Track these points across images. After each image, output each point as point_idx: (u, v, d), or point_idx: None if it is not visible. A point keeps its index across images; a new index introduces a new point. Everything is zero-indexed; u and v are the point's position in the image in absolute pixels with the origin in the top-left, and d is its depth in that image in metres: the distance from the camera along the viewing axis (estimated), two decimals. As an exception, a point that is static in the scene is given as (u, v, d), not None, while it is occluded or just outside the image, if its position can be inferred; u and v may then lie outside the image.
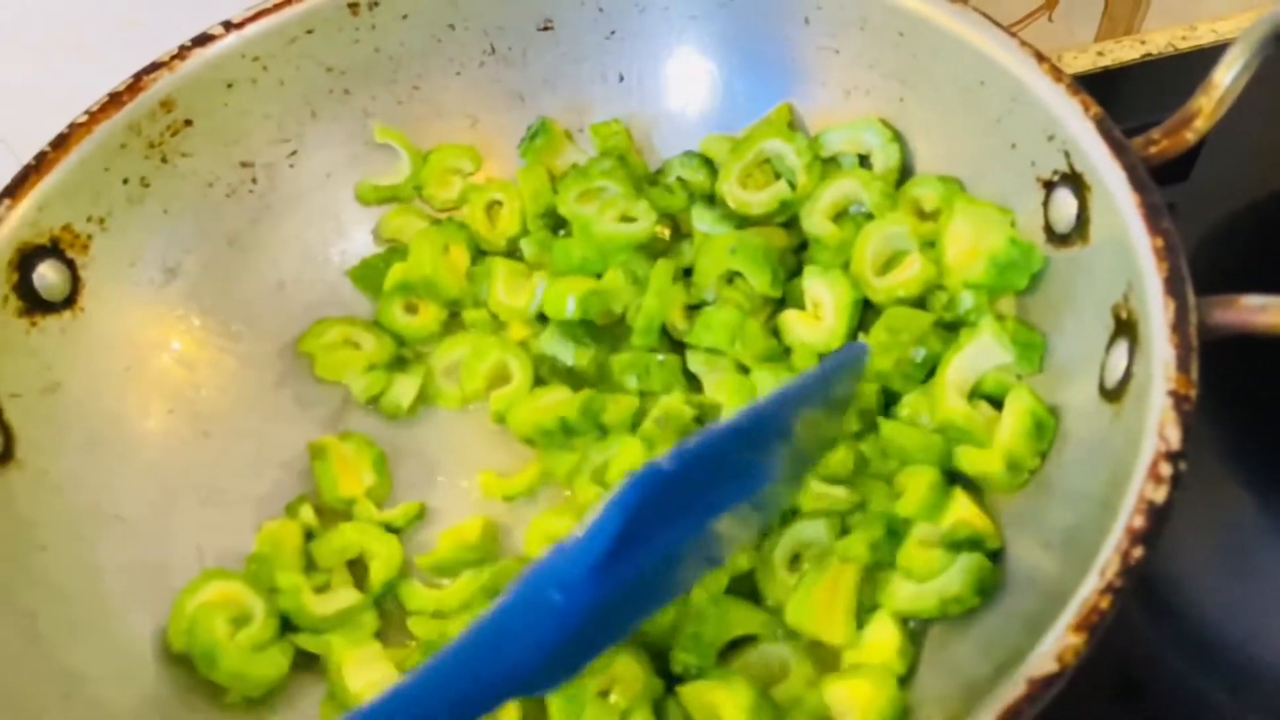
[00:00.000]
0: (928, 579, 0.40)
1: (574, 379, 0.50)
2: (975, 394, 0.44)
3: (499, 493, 0.48)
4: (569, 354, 0.50)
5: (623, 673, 0.39)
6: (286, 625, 0.44)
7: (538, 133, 0.56)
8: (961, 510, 0.41)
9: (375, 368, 0.51)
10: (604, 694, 0.39)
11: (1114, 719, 0.43)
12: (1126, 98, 0.66)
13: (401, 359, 0.53)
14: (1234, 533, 0.48)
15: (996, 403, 0.44)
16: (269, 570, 0.44)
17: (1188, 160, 0.61)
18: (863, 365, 0.37)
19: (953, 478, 0.43)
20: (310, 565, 0.46)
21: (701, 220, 0.52)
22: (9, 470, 0.42)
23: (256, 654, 0.41)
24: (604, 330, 0.51)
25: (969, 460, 0.42)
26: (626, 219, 0.52)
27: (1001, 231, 0.44)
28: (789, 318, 0.48)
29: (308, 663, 0.44)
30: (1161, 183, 0.59)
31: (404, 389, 0.51)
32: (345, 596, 0.45)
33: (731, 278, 0.50)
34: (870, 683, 0.38)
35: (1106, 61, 0.69)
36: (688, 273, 0.51)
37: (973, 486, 0.43)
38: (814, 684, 0.39)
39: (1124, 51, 0.70)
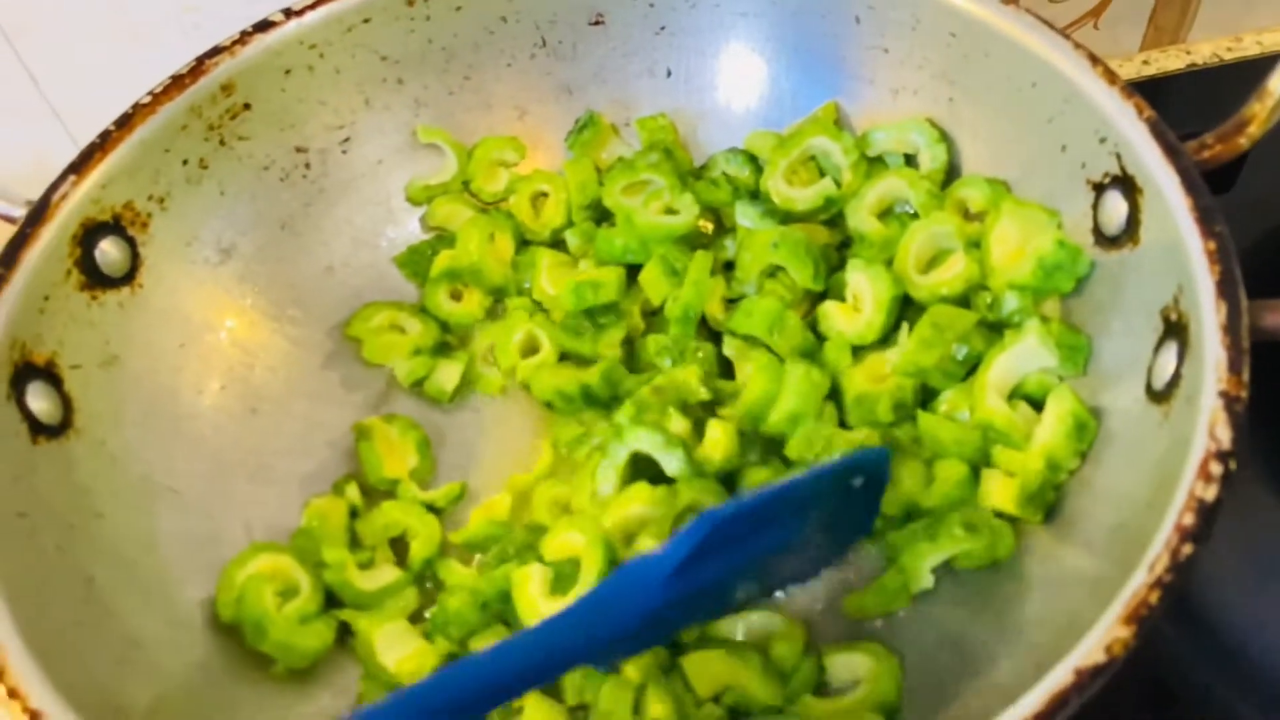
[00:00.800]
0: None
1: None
2: (1016, 394, 0.44)
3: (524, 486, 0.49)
4: (576, 343, 0.51)
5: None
6: (330, 600, 0.45)
7: (585, 125, 0.57)
8: (995, 495, 0.42)
9: (420, 352, 0.52)
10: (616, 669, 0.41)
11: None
12: (1171, 107, 0.65)
13: (446, 345, 0.54)
14: (1268, 545, 0.48)
15: (1037, 403, 0.44)
16: (315, 545, 0.45)
17: (1232, 171, 0.61)
18: (886, 466, 0.42)
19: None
20: (355, 542, 0.47)
21: (745, 216, 0.53)
22: (69, 439, 0.43)
23: (303, 626, 0.42)
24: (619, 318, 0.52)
25: (1007, 459, 0.43)
26: (670, 211, 0.52)
27: (1049, 234, 0.44)
28: (828, 308, 0.49)
29: (351, 639, 0.45)
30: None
31: (448, 374, 0.52)
32: (388, 573, 0.45)
33: (774, 272, 0.50)
34: (873, 656, 0.40)
35: (1152, 71, 0.69)
36: (729, 266, 0.52)
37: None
38: (806, 651, 0.41)
39: (1169, 61, 0.70)
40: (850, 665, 0.41)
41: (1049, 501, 0.41)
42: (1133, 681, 0.44)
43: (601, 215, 0.56)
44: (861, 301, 0.48)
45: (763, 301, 0.48)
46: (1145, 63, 0.70)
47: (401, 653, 0.41)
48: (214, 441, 0.48)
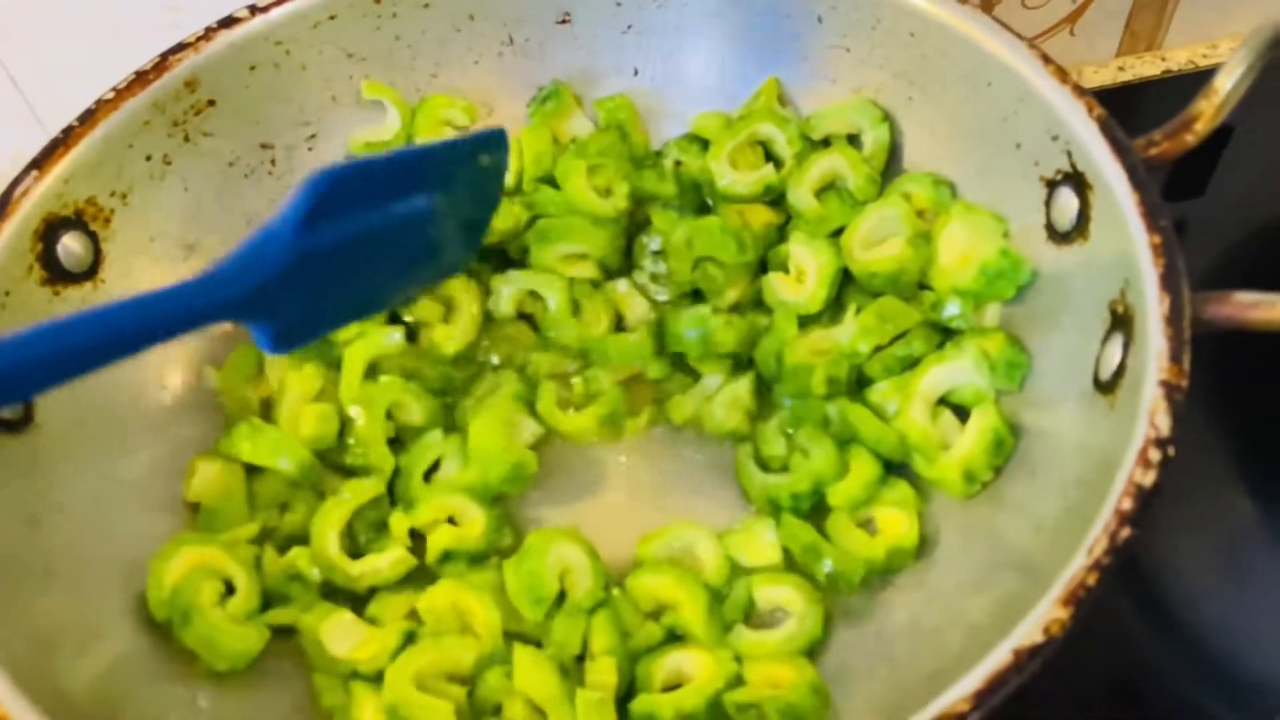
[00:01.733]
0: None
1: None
2: (946, 400, 0.46)
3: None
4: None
5: (574, 562, 0.43)
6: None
7: (550, 96, 0.57)
8: (890, 524, 0.44)
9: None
10: (561, 597, 0.43)
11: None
12: (1147, 113, 0.66)
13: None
14: (1234, 541, 0.49)
15: (965, 410, 0.45)
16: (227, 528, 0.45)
17: (1203, 175, 0.62)
18: (505, 145, 0.47)
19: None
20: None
21: (662, 221, 0.53)
22: (29, 434, 0.43)
23: (240, 627, 0.42)
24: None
25: (924, 465, 0.44)
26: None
27: (994, 242, 0.46)
28: (772, 279, 0.50)
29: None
30: (1176, 198, 0.61)
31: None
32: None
33: (698, 263, 0.51)
34: (801, 591, 0.42)
35: (1127, 76, 0.70)
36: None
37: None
38: (743, 578, 0.44)
39: (1145, 67, 0.71)
40: (777, 596, 0.43)
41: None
42: (1100, 679, 0.45)
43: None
44: (805, 274, 0.49)
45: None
46: (1121, 69, 0.71)
47: (353, 641, 0.41)
48: (178, 438, 0.48)
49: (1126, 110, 0.43)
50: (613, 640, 0.41)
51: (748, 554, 0.45)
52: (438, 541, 0.44)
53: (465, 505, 0.45)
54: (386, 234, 0.41)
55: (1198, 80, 0.70)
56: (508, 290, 0.51)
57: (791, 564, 0.45)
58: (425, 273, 0.46)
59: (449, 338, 0.50)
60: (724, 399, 0.49)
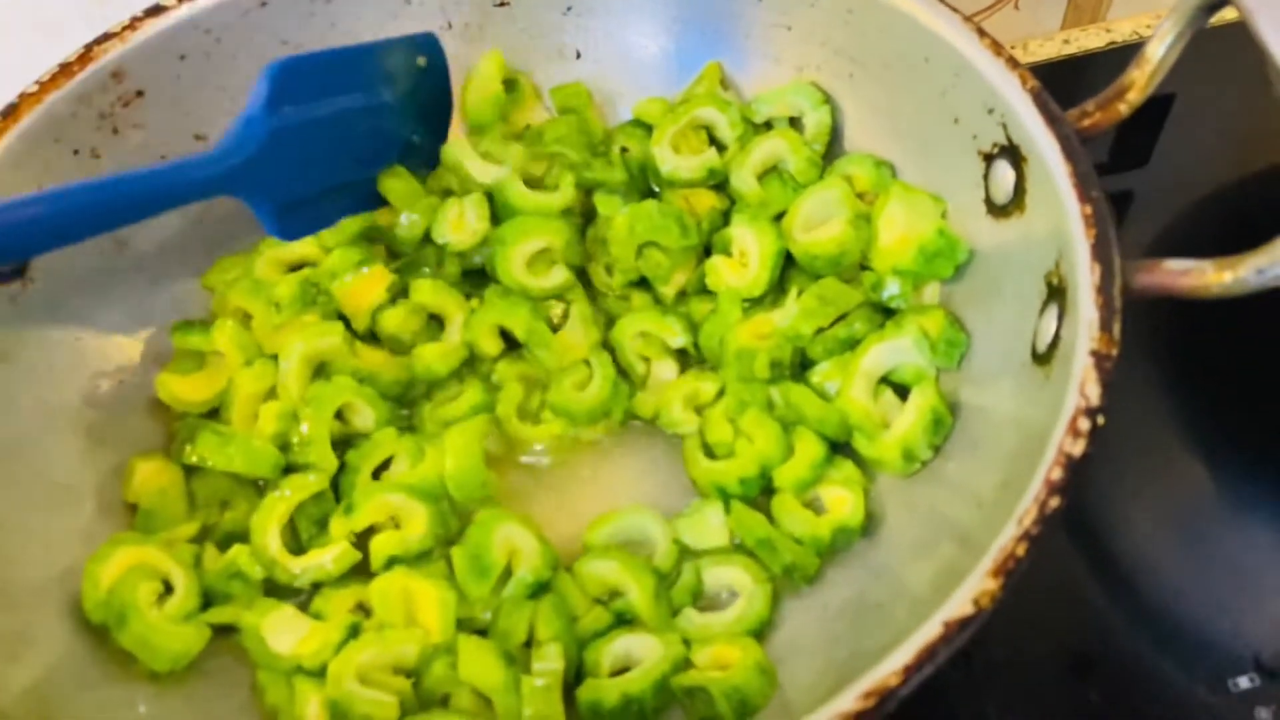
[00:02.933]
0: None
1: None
2: (887, 379, 0.46)
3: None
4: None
5: (521, 544, 0.43)
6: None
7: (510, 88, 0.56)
8: (836, 504, 0.44)
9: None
10: (507, 574, 0.43)
11: (1065, 694, 0.44)
12: (1092, 85, 0.66)
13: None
14: (1188, 510, 0.49)
15: (905, 389, 0.45)
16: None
17: (1146, 144, 0.63)
18: (437, 47, 0.54)
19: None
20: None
21: (605, 207, 0.52)
22: (-44, 438, 0.42)
23: (179, 627, 0.41)
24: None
25: (865, 444, 0.44)
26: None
27: (931, 222, 0.46)
28: (716, 263, 0.50)
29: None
30: (1121, 168, 0.61)
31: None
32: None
33: (642, 249, 0.51)
34: (749, 572, 0.43)
35: (1072, 49, 0.70)
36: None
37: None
38: (692, 561, 0.44)
39: (1089, 39, 0.71)
40: (726, 577, 0.43)
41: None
42: (1055, 650, 0.45)
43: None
44: (747, 257, 0.49)
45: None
46: (1066, 41, 0.71)
47: (296, 637, 0.40)
48: (112, 437, 0.47)
49: (1072, 83, 0.43)
50: (559, 626, 0.41)
51: (697, 537, 0.45)
52: (381, 549, 0.43)
53: (408, 504, 0.44)
54: (348, 119, 0.49)
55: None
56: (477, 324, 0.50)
57: (740, 545, 0.44)
58: (397, 161, 0.52)
59: (441, 356, 0.48)
60: (682, 397, 0.48)
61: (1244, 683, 0.44)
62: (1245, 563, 0.47)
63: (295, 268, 0.52)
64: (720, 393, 0.48)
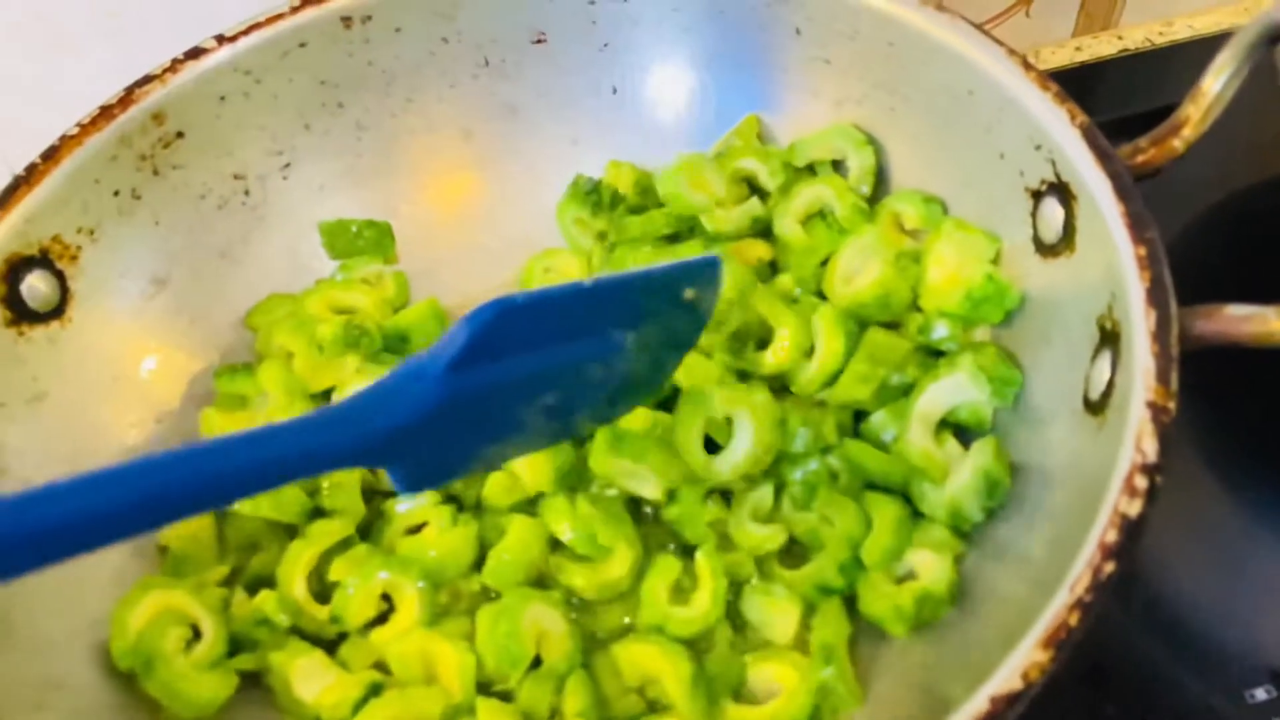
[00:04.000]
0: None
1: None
2: (946, 422, 0.44)
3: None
4: None
5: (550, 626, 0.41)
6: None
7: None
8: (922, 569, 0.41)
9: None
10: (536, 664, 0.40)
11: (1081, 702, 0.43)
12: (1104, 93, 0.66)
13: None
14: (1207, 523, 0.48)
15: (969, 433, 0.43)
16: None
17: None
18: (718, 275, 0.39)
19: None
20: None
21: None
22: (-14, 480, 0.42)
23: (206, 674, 0.40)
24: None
25: (921, 497, 0.42)
26: None
27: (981, 266, 0.44)
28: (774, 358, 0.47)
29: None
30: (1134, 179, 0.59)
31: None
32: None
33: None
34: (795, 668, 0.39)
35: (1084, 57, 0.69)
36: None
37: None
38: (739, 656, 0.41)
39: (1101, 47, 0.70)
40: (772, 675, 0.40)
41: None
42: (1071, 660, 0.43)
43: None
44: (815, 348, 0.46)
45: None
46: (1078, 49, 0.69)
47: (320, 685, 0.40)
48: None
49: (1085, 91, 0.42)
50: (587, 704, 0.39)
51: (762, 622, 0.42)
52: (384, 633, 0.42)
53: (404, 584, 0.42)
54: (554, 375, 0.35)
55: (1156, 59, 0.70)
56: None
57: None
58: (590, 416, 0.39)
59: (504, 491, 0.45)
60: (751, 513, 0.44)
61: (1261, 695, 0.43)
62: (1263, 575, 0.46)
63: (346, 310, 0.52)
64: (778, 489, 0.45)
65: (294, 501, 0.44)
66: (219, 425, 0.48)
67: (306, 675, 0.40)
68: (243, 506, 0.44)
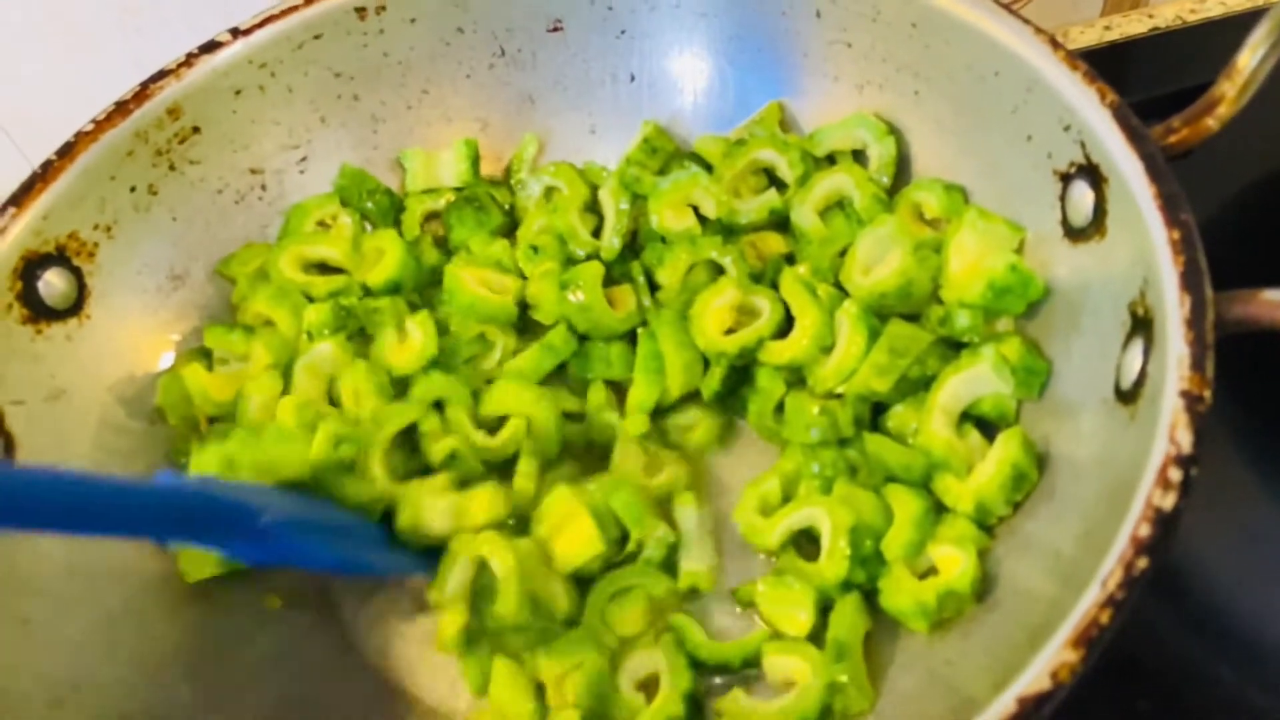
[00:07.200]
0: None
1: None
2: (969, 414, 0.43)
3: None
4: None
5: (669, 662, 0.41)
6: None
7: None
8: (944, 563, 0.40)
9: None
10: (643, 686, 0.41)
11: (1112, 697, 0.42)
12: (1135, 72, 0.64)
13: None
14: (1240, 514, 0.47)
15: (992, 425, 0.42)
16: None
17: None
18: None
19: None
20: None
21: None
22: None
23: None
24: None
25: (945, 490, 0.41)
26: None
27: (1004, 255, 0.43)
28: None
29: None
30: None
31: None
32: None
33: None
34: (809, 662, 0.39)
35: (1114, 36, 0.67)
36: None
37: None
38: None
39: (1131, 25, 0.68)
40: (786, 666, 0.40)
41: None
42: (1102, 654, 0.42)
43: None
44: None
45: None
46: (1107, 28, 0.68)
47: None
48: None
49: (1115, 71, 0.41)
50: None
51: (774, 614, 0.42)
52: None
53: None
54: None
55: (1187, 37, 0.68)
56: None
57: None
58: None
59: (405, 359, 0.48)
60: (754, 507, 0.45)
61: (1300, 689, 0.42)
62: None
63: (317, 265, 0.52)
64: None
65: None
66: (203, 382, 0.48)
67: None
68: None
